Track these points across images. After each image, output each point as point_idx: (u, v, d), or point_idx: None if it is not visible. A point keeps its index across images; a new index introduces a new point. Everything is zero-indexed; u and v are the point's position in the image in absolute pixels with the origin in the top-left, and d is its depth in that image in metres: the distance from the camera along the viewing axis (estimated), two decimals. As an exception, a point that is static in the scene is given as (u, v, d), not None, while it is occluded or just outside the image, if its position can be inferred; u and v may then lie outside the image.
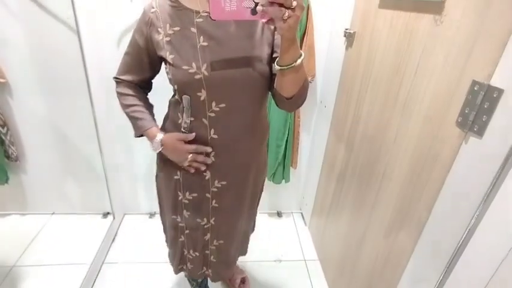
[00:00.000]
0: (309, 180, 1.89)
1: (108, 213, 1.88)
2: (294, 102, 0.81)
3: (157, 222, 1.87)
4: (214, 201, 0.99)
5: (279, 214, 2.04)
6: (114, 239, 1.78)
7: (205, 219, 1.02)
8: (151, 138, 0.92)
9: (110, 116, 1.62)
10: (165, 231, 1.18)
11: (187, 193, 0.98)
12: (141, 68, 0.90)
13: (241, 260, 1.60)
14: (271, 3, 0.59)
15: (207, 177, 0.95)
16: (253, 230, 1.31)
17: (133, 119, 0.93)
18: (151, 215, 1.96)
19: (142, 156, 1.76)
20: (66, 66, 1.45)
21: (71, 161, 1.71)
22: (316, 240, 1.77)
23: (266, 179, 1.28)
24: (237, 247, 1.16)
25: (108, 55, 1.46)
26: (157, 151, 0.94)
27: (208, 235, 1.06)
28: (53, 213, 1.86)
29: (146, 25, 0.82)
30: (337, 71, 1.44)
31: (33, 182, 1.74)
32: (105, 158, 1.63)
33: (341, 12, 1.42)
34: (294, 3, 0.59)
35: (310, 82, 1.56)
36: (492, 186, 0.59)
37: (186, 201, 1.00)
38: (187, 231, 1.06)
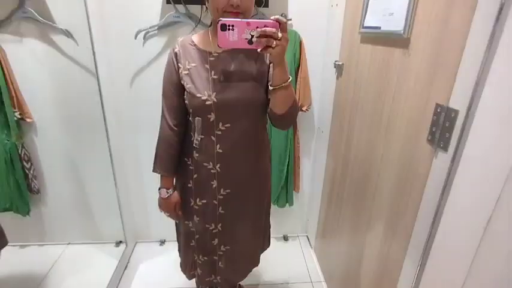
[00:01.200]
0: (312, 203, 1.95)
1: (120, 241, 1.97)
2: (285, 118, 0.97)
3: (167, 249, 1.97)
4: (220, 208, 1.12)
5: (285, 238, 2.09)
6: (126, 266, 1.85)
7: (213, 225, 1.15)
8: (163, 186, 1.12)
9: (124, 151, 1.76)
10: (178, 240, 1.30)
11: (198, 199, 1.12)
12: (180, 102, 1.04)
13: (250, 284, 1.64)
14: (263, 36, 0.77)
15: (214, 186, 1.08)
16: (268, 244, 1.39)
17: (161, 160, 1.10)
18: (162, 242, 2.03)
19: (152, 187, 1.86)
20: (86, 106, 1.62)
21: (87, 193, 1.83)
22: (322, 262, 1.81)
23: (271, 204, 1.38)
24: (245, 256, 1.24)
25: (122, 95, 1.63)
26: (160, 196, 1.14)
27: (216, 240, 1.18)
28: (68, 243, 1.96)
29: (174, 59, 1.01)
30: (330, 99, 1.57)
31: (52, 213, 1.86)
32: (119, 189, 1.74)
33: (330, 47, 1.57)
34: (280, 35, 0.77)
35: (307, 110, 1.69)
36: (443, 191, 0.68)
37: (197, 207, 1.13)
38: (197, 236, 1.18)
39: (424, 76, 0.82)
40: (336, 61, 1.48)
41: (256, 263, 1.33)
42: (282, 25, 0.78)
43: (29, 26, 1.45)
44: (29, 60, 1.52)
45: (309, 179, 1.96)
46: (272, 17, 0.78)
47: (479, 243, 0.64)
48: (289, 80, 0.88)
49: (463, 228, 0.69)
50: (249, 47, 0.80)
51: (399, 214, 0.95)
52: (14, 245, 1.90)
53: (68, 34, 1.45)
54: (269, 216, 1.32)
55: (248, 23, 0.78)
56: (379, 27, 1.04)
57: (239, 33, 0.79)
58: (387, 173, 1.02)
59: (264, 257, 1.37)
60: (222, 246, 1.18)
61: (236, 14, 0.90)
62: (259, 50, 0.79)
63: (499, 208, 0.63)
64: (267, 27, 0.77)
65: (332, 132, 1.58)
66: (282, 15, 1.54)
